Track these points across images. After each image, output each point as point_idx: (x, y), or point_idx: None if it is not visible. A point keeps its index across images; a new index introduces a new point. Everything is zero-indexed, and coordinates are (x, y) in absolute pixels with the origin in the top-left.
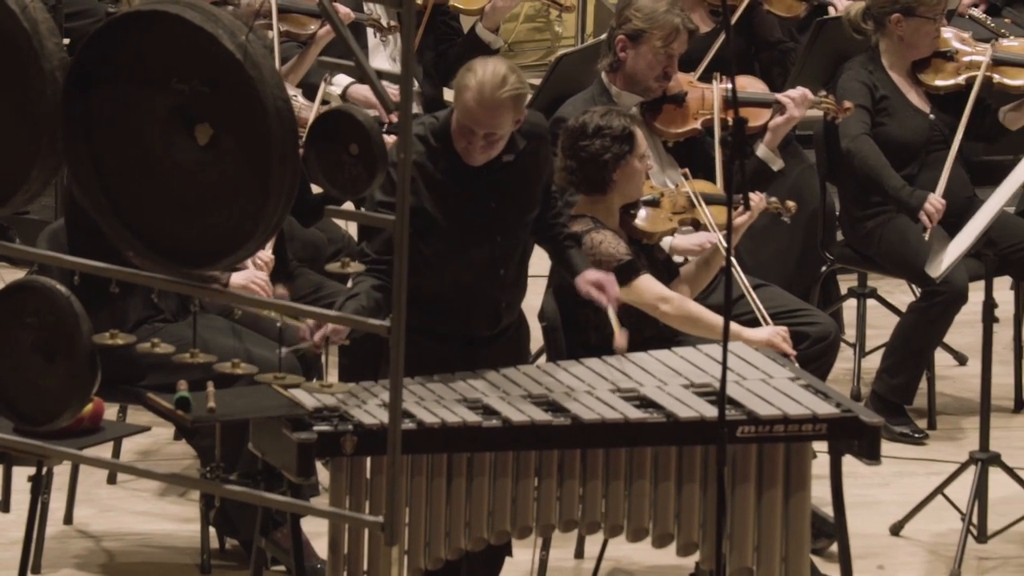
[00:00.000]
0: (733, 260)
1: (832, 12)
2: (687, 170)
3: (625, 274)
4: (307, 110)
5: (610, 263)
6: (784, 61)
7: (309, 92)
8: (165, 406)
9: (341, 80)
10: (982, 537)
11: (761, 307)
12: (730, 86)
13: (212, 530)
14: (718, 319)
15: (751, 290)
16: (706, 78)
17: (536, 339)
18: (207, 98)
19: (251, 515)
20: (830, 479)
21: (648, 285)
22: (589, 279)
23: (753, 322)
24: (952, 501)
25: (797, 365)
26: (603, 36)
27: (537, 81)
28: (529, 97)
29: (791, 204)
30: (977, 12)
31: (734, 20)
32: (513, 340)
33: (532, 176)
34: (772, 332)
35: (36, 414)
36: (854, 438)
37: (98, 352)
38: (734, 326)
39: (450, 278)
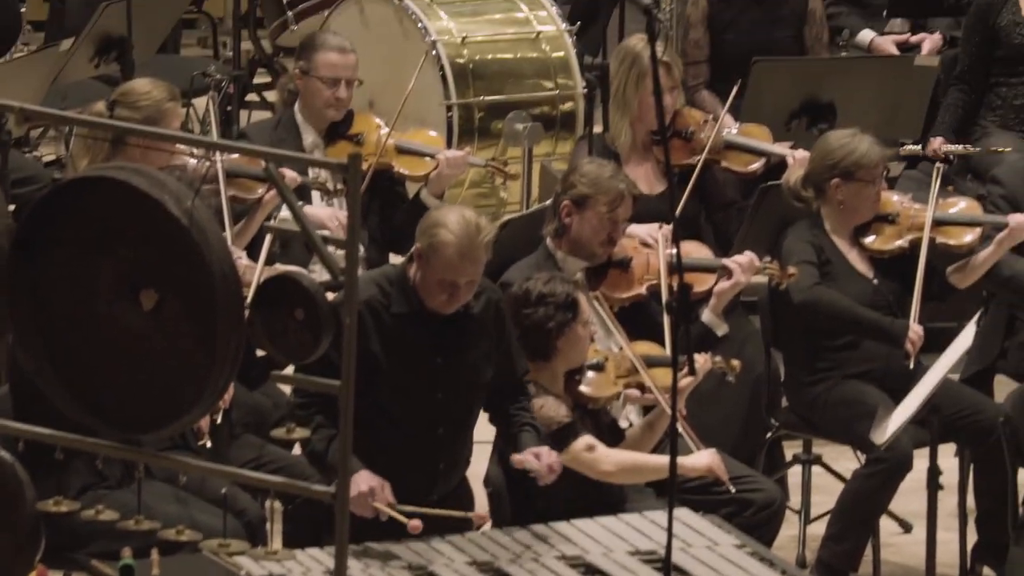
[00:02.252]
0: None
1: (790, 161)
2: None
3: (565, 437)
4: (251, 271)
5: (550, 426)
6: (742, 220)
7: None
8: (109, 574)
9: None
10: None
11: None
12: (675, 251)
13: None
14: (661, 460)
15: (693, 437)
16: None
17: (481, 505)
18: (153, 263)
19: None
20: None
21: (588, 446)
22: (531, 450)
23: (699, 488)
24: None
25: (734, 490)
26: (548, 202)
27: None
28: None
29: (736, 363)
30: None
31: (690, 183)
32: (456, 509)
33: (483, 336)
34: (711, 458)
35: None
36: None
37: (42, 519)
38: (664, 458)
39: (388, 431)
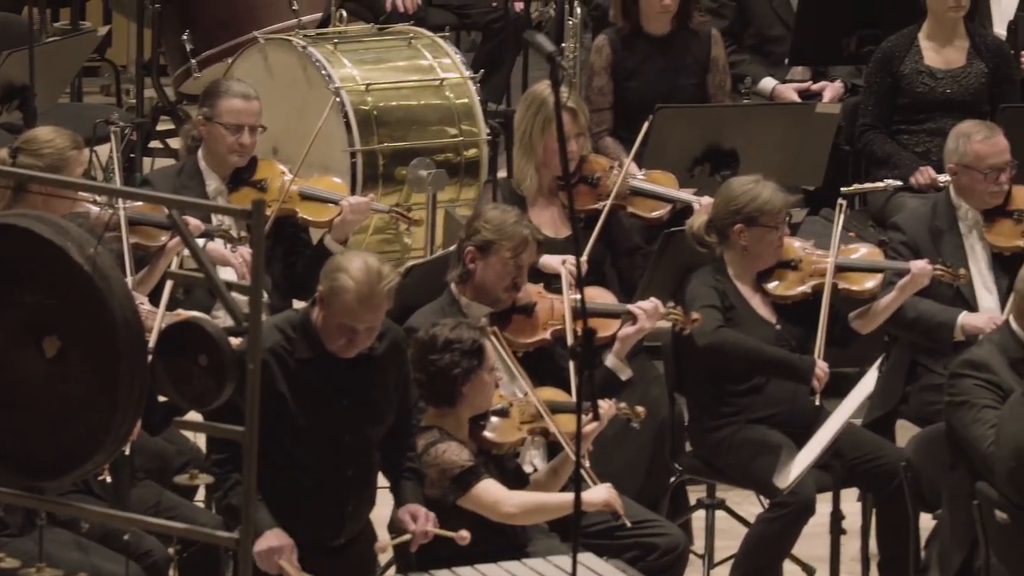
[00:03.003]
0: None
1: (696, 207)
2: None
3: (466, 480)
4: (153, 317)
5: (452, 470)
6: (646, 265)
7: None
8: None
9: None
10: None
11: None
12: (579, 297)
13: None
14: (562, 498)
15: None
16: (558, 288)
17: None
18: (55, 310)
19: None
20: None
21: (489, 489)
22: (409, 509)
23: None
24: None
25: (629, 524)
26: (452, 247)
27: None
28: None
29: (640, 409)
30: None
31: (596, 229)
32: (361, 554)
33: (387, 380)
34: (608, 492)
35: None
36: None
37: None
38: (565, 496)
39: (297, 475)
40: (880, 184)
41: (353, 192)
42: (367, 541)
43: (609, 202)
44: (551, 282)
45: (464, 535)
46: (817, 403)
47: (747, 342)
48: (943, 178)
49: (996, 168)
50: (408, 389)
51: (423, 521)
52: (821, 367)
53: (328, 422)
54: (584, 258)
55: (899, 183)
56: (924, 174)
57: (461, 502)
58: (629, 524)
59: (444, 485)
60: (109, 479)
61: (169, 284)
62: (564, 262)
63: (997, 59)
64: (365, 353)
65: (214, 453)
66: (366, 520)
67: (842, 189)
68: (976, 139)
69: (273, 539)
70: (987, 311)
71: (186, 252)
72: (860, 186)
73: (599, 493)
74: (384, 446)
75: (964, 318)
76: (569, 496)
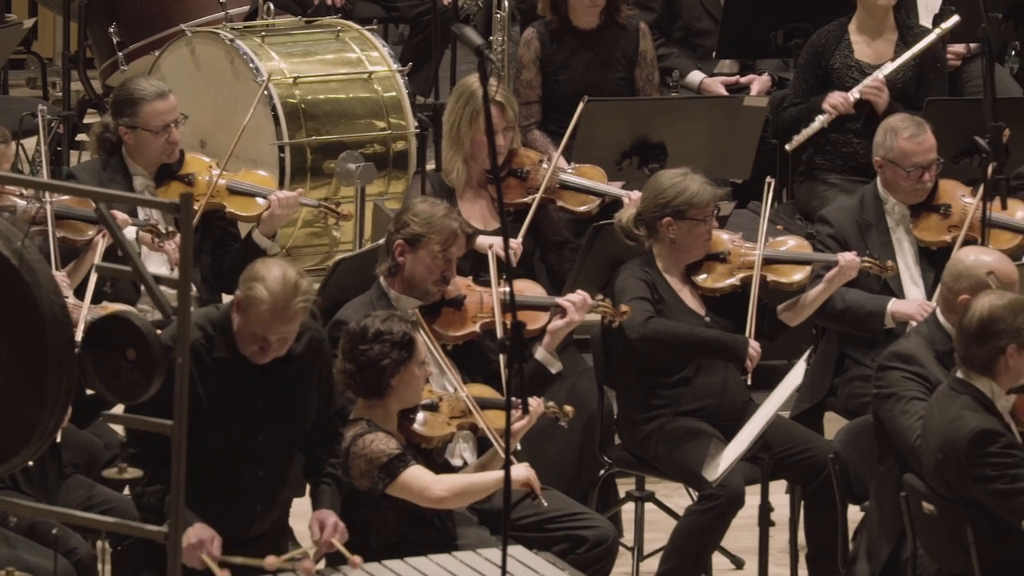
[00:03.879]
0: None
1: (625, 201)
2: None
3: (394, 467)
4: (79, 310)
5: (380, 458)
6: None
7: None
8: None
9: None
10: None
11: None
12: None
13: None
14: (488, 477)
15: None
16: (486, 281)
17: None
18: None
19: None
20: None
21: (417, 475)
22: (319, 516)
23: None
24: None
25: (546, 504)
26: (381, 241)
27: (316, 286)
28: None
29: (569, 409)
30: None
31: (526, 222)
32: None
33: (305, 381)
34: (527, 471)
35: None
36: None
37: None
38: (491, 474)
39: (209, 472)
40: (815, 124)
41: (281, 186)
42: (279, 535)
43: (538, 196)
44: (479, 275)
45: (356, 560)
46: (749, 382)
47: (678, 328)
48: (854, 94)
49: (920, 166)
50: (331, 393)
51: (329, 532)
52: (753, 346)
53: (242, 422)
54: (519, 240)
55: (827, 116)
56: (834, 96)
57: (390, 490)
58: (546, 504)
59: (372, 475)
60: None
61: (94, 277)
62: (491, 246)
63: (925, 51)
64: (282, 353)
65: (130, 447)
66: (277, 518)
67: (787, 147)
68: (903, 136)
69: (194, 535)
70: None
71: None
72: (800, 136)
73: (518, 471)
74: (306, 450)
75: (893, 305)
76: (495, 474)
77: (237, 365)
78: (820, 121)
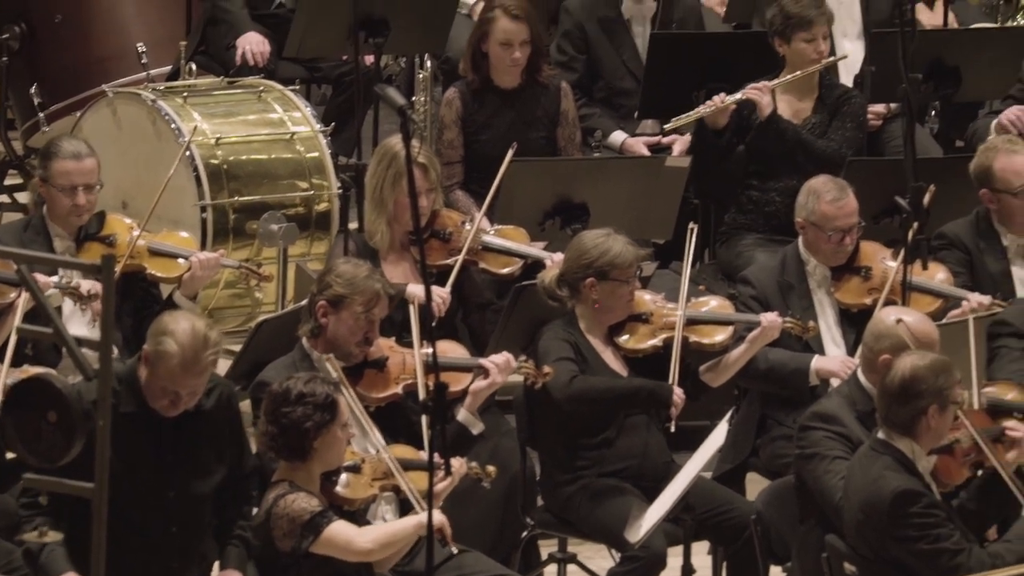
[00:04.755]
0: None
1: (547, 263)
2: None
3: (317, 524)
4: None
5: (302, 516)
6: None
7: None
8: None
9: None
10: None
11: None
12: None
13: None
14: (411, 522)
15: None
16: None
17: None
18: None
19: None
20: None
21: (341, 529)
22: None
23: None
24: None
25: (455, 550)
26: (304, 302)
27: (237, 347)
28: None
29: (491, 469)
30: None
31: (449, 283)
32: None
33: (214, 436)
34: (440, 517)
35: None
36: None
37: None
38: (409, 519)
39: (121, 530)
40: (699, 110)
41: (204, 247)
42: None
43: (461, 258)
44: (402, 336)
45: None
46: (672, 430)
47: (602, 383)
48: (732, 98)
49: (841, 230)
50: (243, 450)
51: None
52: (678, 393)
53: (151, 477)
54: (447, 289)
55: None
56: (716, 97)
57: (315, 547)
58: (455, 551)
59: (295, 534)
60: None
61: (14, 339)
62: (414, 301)
63: (844, 107)
64: (191, 409)
65: (23, 496)
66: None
67: (665, 127)
68: (825, 199)
69: None
70: None
71: None
72: (679, 118)
73: (436, 516)
74: (215, 510)
75: (817, 362)
76: (414, 518)
77: (145, 419)
78: (700, 110)
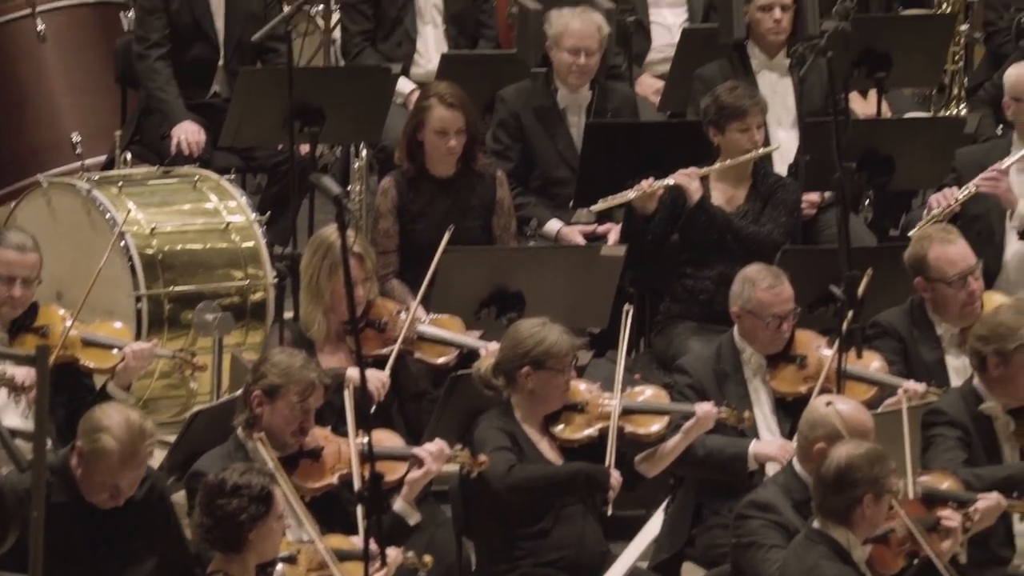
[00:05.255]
0: None
1: (483, 352)
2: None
3: None
4: None
5: None
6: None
7: None
8: None
9: None
10: None
11: None
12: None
13: None
14: None
15: None
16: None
17: None
18: None
19: None
20: None
21: None
22: None
23: None
24: None
25: None
26: (239, 392)
27: (172, 438)
28: None
29: (428, 559)
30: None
31: (387, 369)
32: None
33: (147, 526)
34: None
35: None
36: None
37: None
38: None
39: None
40: (626, 195)
41: (138, 337)
42: None
43: (396, 348)
44: (338, 426)
45: None
46: (609, 513)
47: (540, 470)
48: (660, 183)
49: (778, 317)
50: (180, 540)
51: None
52: (615, 476)
53: (84, 568)
54: (386, 373)
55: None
56: (645, 181)
57: None
58: None
59: None
60: None
61: None
62: (349, 385)
63: (778, 195)
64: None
65: None
66: None
67: (591, 208)
68: (761, 286)
69: None
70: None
71: None
72: (606, 201)
73: None
74: None
75: (755, 447)
76: None
77: (78, 510)
78: (628, 193)
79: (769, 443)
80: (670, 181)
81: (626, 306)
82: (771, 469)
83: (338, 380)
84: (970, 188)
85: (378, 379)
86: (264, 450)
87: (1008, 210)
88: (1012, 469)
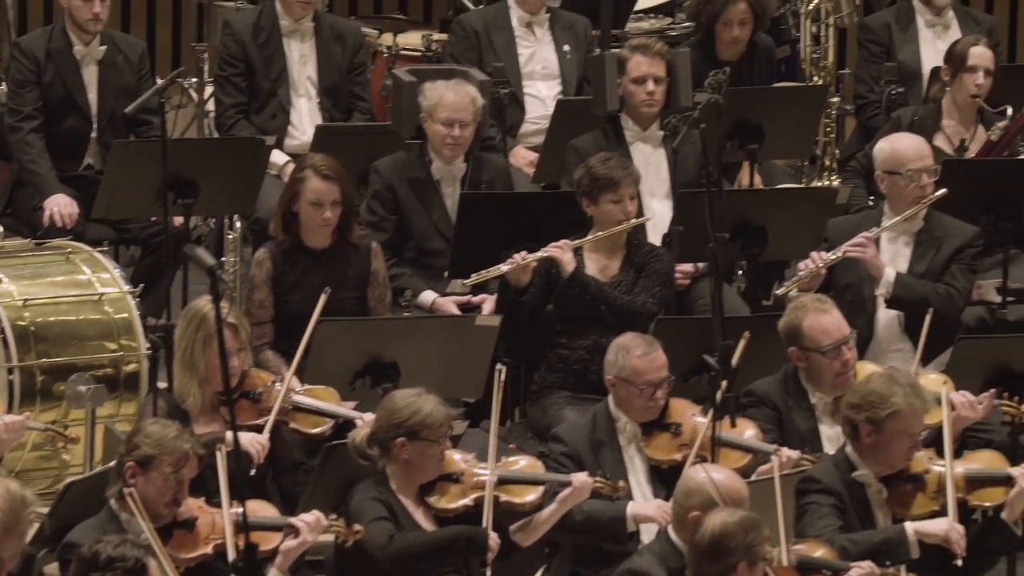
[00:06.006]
0: None
1: (358, 423)
2: None
3: None
4: None
5: None
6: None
7: None
8: None
9: None
10: None
11: None
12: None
13: None
14: None
15: None
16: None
17: None
18: None
19: None
20: None
21: None
22: None
23: None
24: None
25: None
26: (112, 463)
27: (45, 509)
28: None
29: (358, 527)
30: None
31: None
32: None
33: None
34: None
35: None
36: None
37: None
38: None
39: None
40: (501, 268)
41: (11, 409)
42: None
43: (271, 418)
44: (212, 496)
45: None
46: (488, 574)
47: (419, 537)
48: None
49: (652, 384)
50: None
51: None
52: (493, 537)
53: None
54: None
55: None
56: (516, 260)
57: None
58: None
59: None
60: None
61: None
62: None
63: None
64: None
65: None
66: None
67: (464, 282)
68: (635, 354)
69: None
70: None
71: None
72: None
73: None
74: None
75: (633, 508)
76: None
77: None
78: (502, 267)
79: (647, 504)
80: (544, 254)
81: (498, 366)
82: (646, 531)
83: (215, 443)
84: (838, 253)
85: (257, 441)
86: (142, 519)
87: (877, 278)
88: (887, 533)
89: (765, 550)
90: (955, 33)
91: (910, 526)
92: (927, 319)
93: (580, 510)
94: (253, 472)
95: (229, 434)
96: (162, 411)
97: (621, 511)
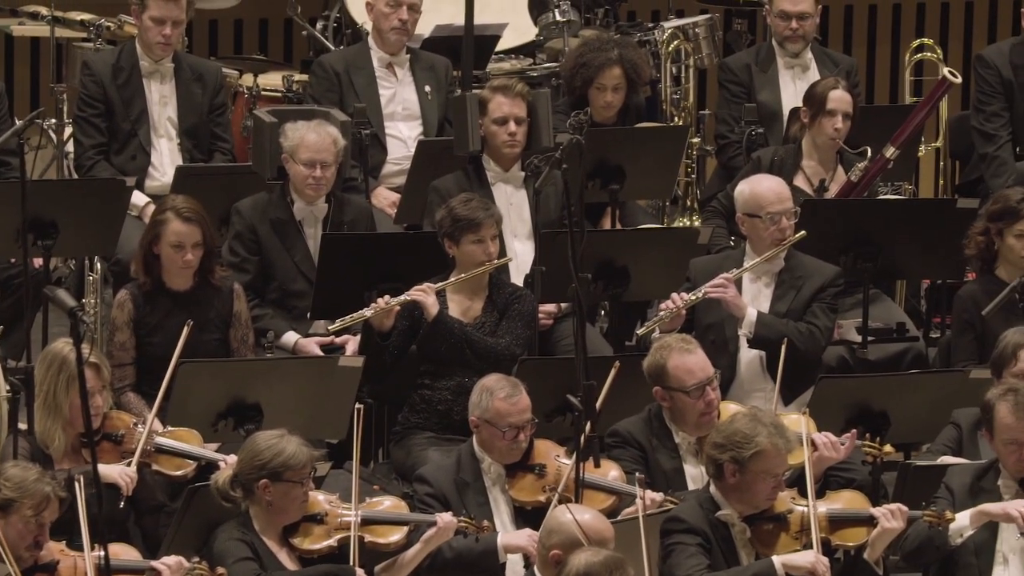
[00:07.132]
0: None
1: (221, 465)
2: None
3: None
4: None
5: None
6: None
7: None
8: None
9: None
10: None
11: None
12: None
13: None
14: None
15: None
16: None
17: None
18: None
19: None
20: None
21: None
22: None
23: None
24: None
25: None
26: None
27: None
28: None
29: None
30: None
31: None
32: None
33: None
34: None
35: None
36: None
37: None
38: None
39: None
40: (364, 312)
41: None
42: None
43: (134, 460)
44: (73, 539)
45: None
46: None
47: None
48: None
49: (516, 427)
50: None
51: None
52: (360, 573)
53: None
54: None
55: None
56: (379, 304)
57: None
58: None
59: None
60: None
61: None
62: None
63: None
64: None
65: None
66: None
67: (328, 328)
68: (499, 396)
69: None
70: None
71: None
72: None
73: None
74: None
75: (504, 539)
76: None
77: None
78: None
79: (517, 534)
80: (407, 297)
81: (357, 405)
82: (510, 565)
83: (76, 478)
84: (698, 294)
85: (126, 474)
86: (7, 562)
87: (739, 318)
88: (756, 568)
89: None
90: (814, 74)
91: (778, 559)
92: (783, 351)
93: (449, 547)
94: (122, 505)
95: (100, 469)
96: (24, 454)
97: (492, 543)
